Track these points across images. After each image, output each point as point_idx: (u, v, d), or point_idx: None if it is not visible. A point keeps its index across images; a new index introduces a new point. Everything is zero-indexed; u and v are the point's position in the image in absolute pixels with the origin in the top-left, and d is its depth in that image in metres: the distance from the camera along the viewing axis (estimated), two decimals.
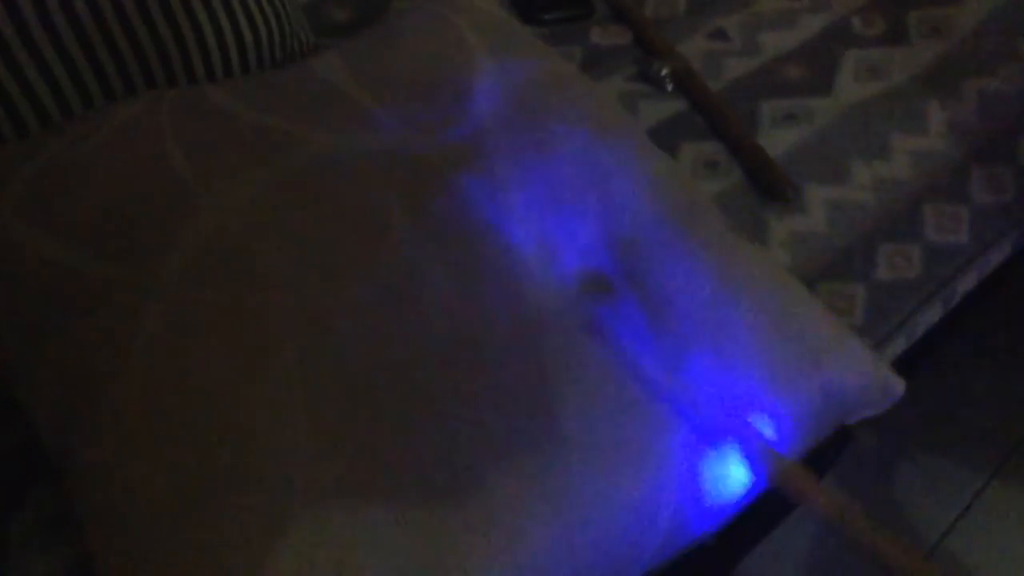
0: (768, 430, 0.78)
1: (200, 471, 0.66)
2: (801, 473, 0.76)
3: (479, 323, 0.75)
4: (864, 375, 0.84)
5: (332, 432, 0.68)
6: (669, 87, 1.16)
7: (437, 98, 0.91)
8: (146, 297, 0.73)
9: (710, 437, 0.75)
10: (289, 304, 0.74)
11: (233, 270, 0.75)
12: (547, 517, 0.68)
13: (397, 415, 0.70)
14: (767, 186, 1.04)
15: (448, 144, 0.86)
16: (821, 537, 1.38)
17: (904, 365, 1.01)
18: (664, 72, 1.16)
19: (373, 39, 0.99)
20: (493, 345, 0.74)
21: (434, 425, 0.70)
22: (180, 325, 0.72)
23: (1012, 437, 1.52)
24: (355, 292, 0.75)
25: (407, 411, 0.70)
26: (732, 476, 0.76)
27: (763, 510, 1.05)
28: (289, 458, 0.66)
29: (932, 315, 1.01)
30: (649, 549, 0.73)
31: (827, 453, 1.18)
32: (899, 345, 0.99)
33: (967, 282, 1.04)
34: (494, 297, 0.77)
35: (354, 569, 0.64)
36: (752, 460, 0.76)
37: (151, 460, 0.67)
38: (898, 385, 0.87)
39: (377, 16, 1.20)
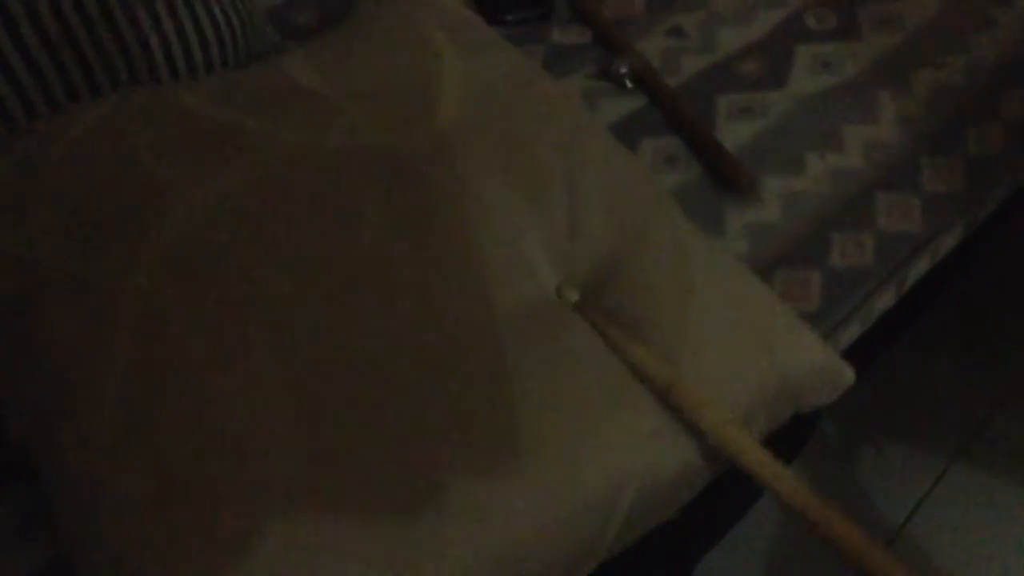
0: (724, 416, 0.80)
1: (176, 469, 0.67)
2: (764, 458, 0.78)
3: (448, 317, 0.77)
4: (815, 362, 0.86)
5: (304, 428, 0.69)
6: (629, 84, 1.18)
7: (406, 95, 0.92)
8: (119, 293, 0.74)
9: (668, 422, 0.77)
10: (261, 299, 0.75)
11: (206, 266, 0.76)
12: (517, 510, 0.70)
13: (368, 412, 0.71)
14: (725, 178, 1.07)
15: (417, 141, 0.88)
16: (780, 537, 1.40)
17: (862, 352, 1.04)
18: (624, 70, 1.18)
19: (339, 38, 1.00)
20: (461, 338, 0.76)
21: (404, 420, 0.71)
22: (154, 321, 0.73)
23: (971, 421, 1.54)
24: (326, 288, 0.76)
25: (378, 407, 0.71)
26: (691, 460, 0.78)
27: (724, 502, 1.07)
28: (261, 456, 0.68)
29: (886, 301, 1.04)
30: (611, 531, 0.74)
31: (791, 442, 1.21)
32: (854, 330, 1.01)
33: (919, 268, 1.06)
34: (463, 291, 0.79)
35: (327, 570, 0.65)
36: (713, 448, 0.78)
37: (127, 458, 0.68)
38: (848, 373, 0.89)
39: (340, 18, 1.22)
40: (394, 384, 0.72)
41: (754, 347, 0.82)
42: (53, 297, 0.75)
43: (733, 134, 1.12)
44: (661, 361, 0.79)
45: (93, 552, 0.67)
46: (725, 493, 0.88)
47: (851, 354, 0.98)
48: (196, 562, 0.64)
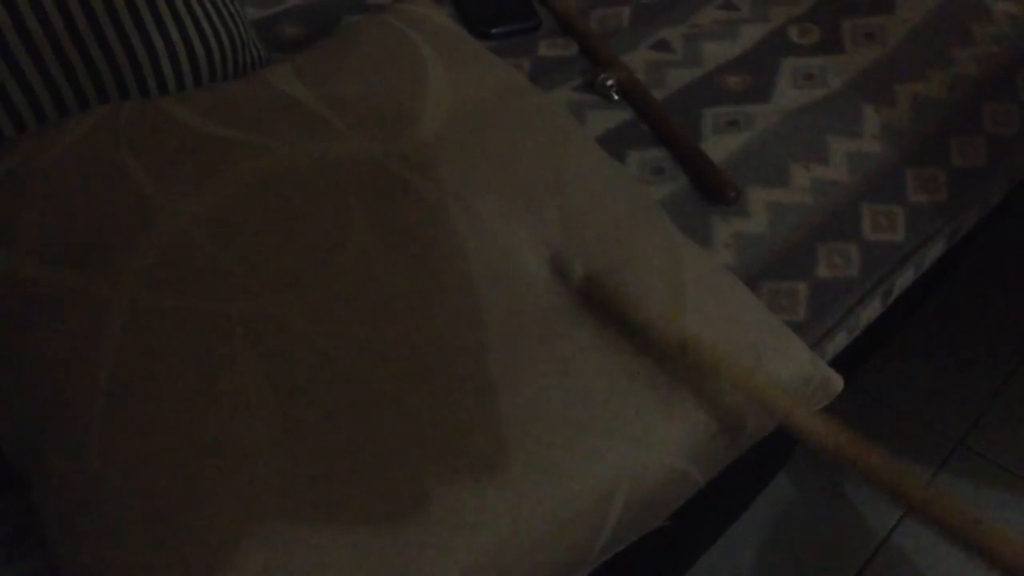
0: (715, 421, 0.80)
1: (163, 481, 0.67)
2: (792, 405, 0.78)
3: (435, 328, 0.77)
4: (804, 370, 0.86)
5: (292, 441, 0.69)
6: (615, 97, 1.19)
7: (392, 108, 0.92)
8: (107, 305, 0.74)
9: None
10: (250, 311, 0.75)
11: (194, 277, 0.76)
12: (507, 520, 0.70)
13: (355, 424, 0.71)
14: (711, 190, 1.07)
15: (406, 152, 0.88)
16: (770, 542, 1.40)
17: (848, 361, 1.05)
18: (610, 82, 1.19)
19: (326, 51, 1.00)
20: (448, 349, 0.76)
21: (391, 432, 0.71)
22: (142, 333, 0.73)
23: (956, 432, 1.56)
24: (313, 299, 0.77)
25: (365, 419, 0.71)
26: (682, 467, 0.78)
27: (715, 508, 1.08)
28: (250, 469, 0.68)
29: (872, 310, 1.05)
30: (601, 539, 0.75)
31: (779, 451, 1.22)
32: (841, 340, 1.02)
33: (904, 278, 1.07)
34: (450, 302, 0.79)
35: None
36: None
37: (114, 471, 0.68)
38: (836, 381, 0.90)
39: (328, 32, 1.22)
40: (381, 396, 0.72)
41: (744, 354, 0.83)
42: (40, 309, 0.75)
43: (719, 146, 1.13)
44: (671, 321, 0.79)
45: (81, 565, 0.67)
46: (715, 499, 0.89)
47: (837, 364, 0.99)
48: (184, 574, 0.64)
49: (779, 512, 1.43)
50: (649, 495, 0.77)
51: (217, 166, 0.83)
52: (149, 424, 0.69)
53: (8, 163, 0.84)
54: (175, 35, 0.99)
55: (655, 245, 0.88)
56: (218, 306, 0.75)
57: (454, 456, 0.71)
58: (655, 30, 1.30)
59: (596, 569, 0.77)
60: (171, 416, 0.70)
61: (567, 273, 0.83)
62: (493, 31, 1.27)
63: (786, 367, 0.85)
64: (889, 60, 1.26)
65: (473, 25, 1.27)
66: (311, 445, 0.69)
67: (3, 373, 0.75)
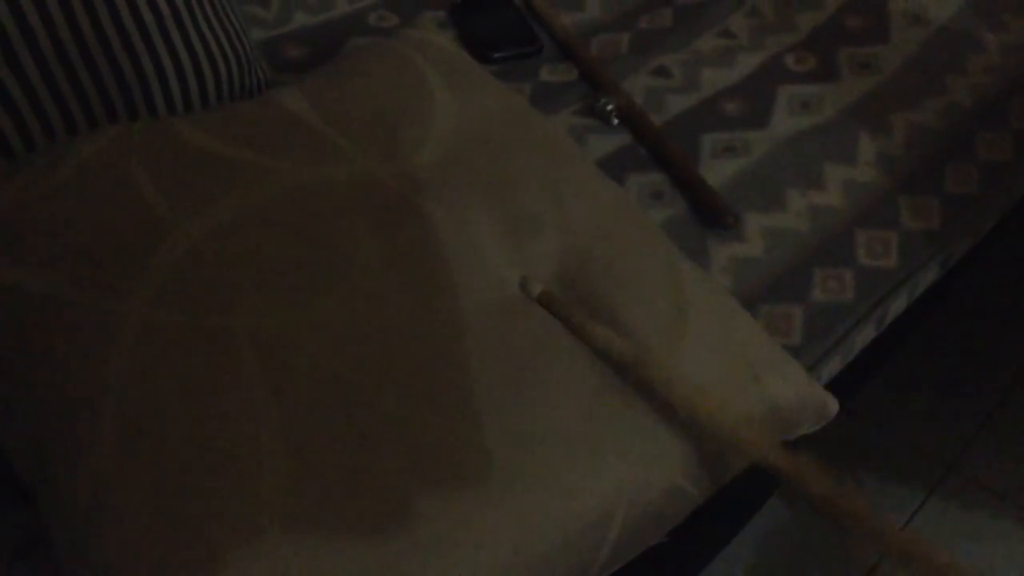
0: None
1: (171, 492, 0.68)
2: (736, 426, 0.79)
3: (432, 349, 0.78)
4: (801, 392, 0.88)
5: (292, 455, 0.70)
6: (615, 121, 1.20)
7: (398, 130, 0.94)
8: (118, 321, 0.75)
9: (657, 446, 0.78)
10: (257, 327, 0.76)
11: (203, 294, 0.77)
12: (506, 539, 0.71)
13: (354, 442, 0.72)
14: (709, 214, 1.09)
15: (411, 174, 0.89)
16: (764, 559, 1.41)
17: (842, 386, 1.06)
18: (610, 107, 1.20)
19: (333, 73, 1.02)
20: (443, 371, 0.77)
21: (389, 450, 0.72)
22: (151, 348, 0.74)
23: (947, 456, 1.57)
24: (322, 316, 0.78)
25: (365, 434, 0.72)
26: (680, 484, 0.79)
27: (713, 525, 1.09)
28: (255, 482, 0.68)
29: (866, 335, 1.06)
30: (602, 556, 0.76)
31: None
32: (835, 364, 1.03)
33: (898, 304, 1.09)
34: (448, 325, 0.80)
35: None
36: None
37: (121, 479, 0.69)
38: (832, 403, 0.91)
39: (332, 54, 1.24)
40: (381, 414, 0.73)
41: (742, 376, 0.84)
42: (51, 325, 0.76)
43: (717, 171, 1.14)
44: (626, 338, 0.81)
45: (87, 573, 0.68)
46: (713, 517, 0.89)
47: (831, 388, 1.00)
48: None
49: (774, 531, 1.44)
50: (649, 513, 0.78)
51: (227, 186, 0.84)
52: (156, 437, 0.70)
53: (20, 181, 0.85)
54: (183, 54, 1.01)
55: (656, 267, 0.90)
56: (226, 322, 0.76)
57: (454, 475, 0.72)
58: (654, 56, 1.32)
59: None
60: (178, 429, 0.70)
61: (528, 292, 0.84)
62: (495, 55, 1.29)
63: (784, 389, 0.86)
64: (884, 89, 1.27)
65: (476, 49, 1.29)
66: (313, 459, 0.70)
67: (13, 387, 0.76)
